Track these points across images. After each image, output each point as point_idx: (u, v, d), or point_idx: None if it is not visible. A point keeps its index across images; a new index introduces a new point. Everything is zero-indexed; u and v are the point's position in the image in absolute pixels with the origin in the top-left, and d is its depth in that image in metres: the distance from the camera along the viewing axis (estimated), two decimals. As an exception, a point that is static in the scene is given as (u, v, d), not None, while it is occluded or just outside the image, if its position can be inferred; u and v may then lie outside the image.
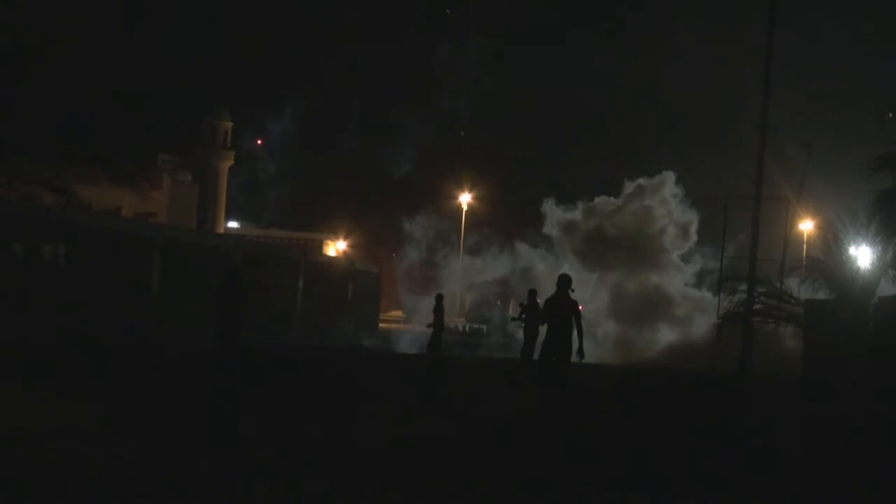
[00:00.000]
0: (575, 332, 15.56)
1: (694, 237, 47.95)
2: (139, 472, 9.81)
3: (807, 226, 51.16)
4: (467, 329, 58.58)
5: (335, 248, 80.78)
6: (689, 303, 45.88)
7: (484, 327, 57.54)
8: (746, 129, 30.15)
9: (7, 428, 11.46)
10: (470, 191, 69.98)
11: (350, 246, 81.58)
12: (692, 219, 47.86)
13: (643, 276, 47.27)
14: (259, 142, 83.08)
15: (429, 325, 31.42)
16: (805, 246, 46.81)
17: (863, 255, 28.87)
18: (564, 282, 15.90)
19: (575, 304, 15.95)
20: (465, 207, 68.83)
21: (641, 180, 49.23)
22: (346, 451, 11.64)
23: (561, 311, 15.62)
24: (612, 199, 49.53)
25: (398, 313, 65.47)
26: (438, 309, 29.71)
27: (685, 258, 48.73)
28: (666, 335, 44.57)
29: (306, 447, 11.77)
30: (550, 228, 49.74)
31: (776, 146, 30.12)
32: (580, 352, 15.62)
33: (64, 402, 13.61)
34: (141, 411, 13.64)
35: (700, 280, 47.54)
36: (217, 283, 20.00)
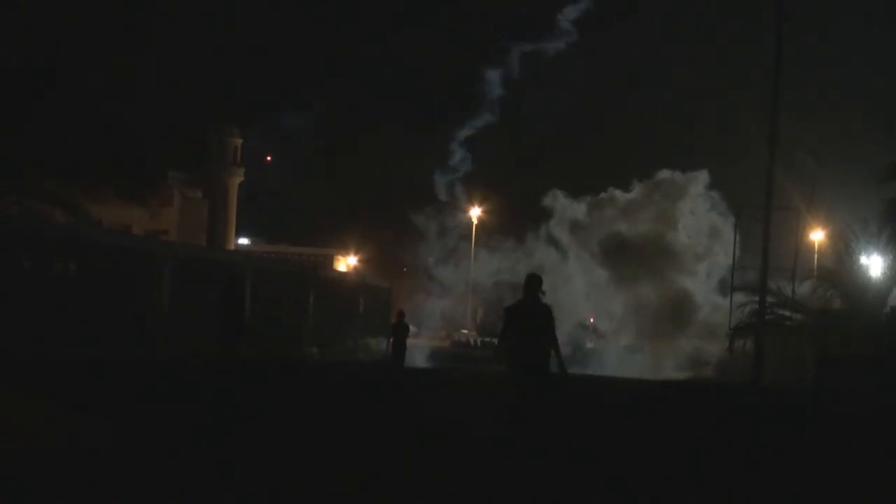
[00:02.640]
0: (553, 343, 12.99)
1: (730, 249, 45.87)
2: (139, 476, 9.86)
3: (818, 235, 50.86)
4: (478, 342, 58.24)
5: (346, 263, 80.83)
6: (717, 312, 43.58)
7: (496, 340, 56.60)
8: (757, 139, 30.05)
9: (13, 438, 11.50)
10: (480, 204, 69.85)
11: (361, 261, 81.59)
12: (729, 230, 44.72)
13: (667, 282, 45.80)
14: (268, 158, 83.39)
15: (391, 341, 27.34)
16: (816, 255, 46.54)
17: (874, 265, 28.82)
18: (534, 283, 13.20)
19: (547, 308, 13.37)
20: (475, 221, 68.74)
21: (669, 173, 47.27)
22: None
23: (534, 318, 13.08)
24: (623, 193, 48.04)
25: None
26: (399, 326, 26.52)
27: (709, 266, 47.14)
28: (695, 346, 43.31)
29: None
30: (555, 226, 48.24)
31: (786, 156, 30.03)
32: (561, 367, 12.99)
33: (68, 411, 13.64)
34: (144, 419, 13.65)
35: (723, 288, 44.24)
36: (219, 293, 20.03)
